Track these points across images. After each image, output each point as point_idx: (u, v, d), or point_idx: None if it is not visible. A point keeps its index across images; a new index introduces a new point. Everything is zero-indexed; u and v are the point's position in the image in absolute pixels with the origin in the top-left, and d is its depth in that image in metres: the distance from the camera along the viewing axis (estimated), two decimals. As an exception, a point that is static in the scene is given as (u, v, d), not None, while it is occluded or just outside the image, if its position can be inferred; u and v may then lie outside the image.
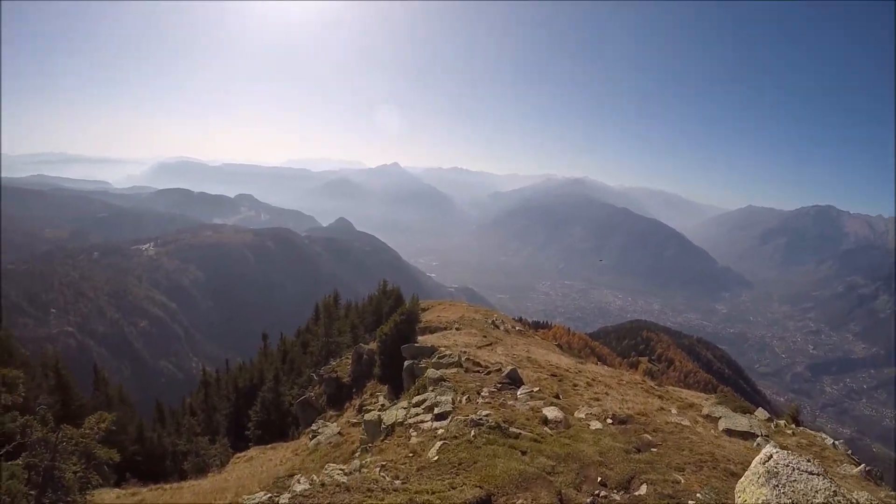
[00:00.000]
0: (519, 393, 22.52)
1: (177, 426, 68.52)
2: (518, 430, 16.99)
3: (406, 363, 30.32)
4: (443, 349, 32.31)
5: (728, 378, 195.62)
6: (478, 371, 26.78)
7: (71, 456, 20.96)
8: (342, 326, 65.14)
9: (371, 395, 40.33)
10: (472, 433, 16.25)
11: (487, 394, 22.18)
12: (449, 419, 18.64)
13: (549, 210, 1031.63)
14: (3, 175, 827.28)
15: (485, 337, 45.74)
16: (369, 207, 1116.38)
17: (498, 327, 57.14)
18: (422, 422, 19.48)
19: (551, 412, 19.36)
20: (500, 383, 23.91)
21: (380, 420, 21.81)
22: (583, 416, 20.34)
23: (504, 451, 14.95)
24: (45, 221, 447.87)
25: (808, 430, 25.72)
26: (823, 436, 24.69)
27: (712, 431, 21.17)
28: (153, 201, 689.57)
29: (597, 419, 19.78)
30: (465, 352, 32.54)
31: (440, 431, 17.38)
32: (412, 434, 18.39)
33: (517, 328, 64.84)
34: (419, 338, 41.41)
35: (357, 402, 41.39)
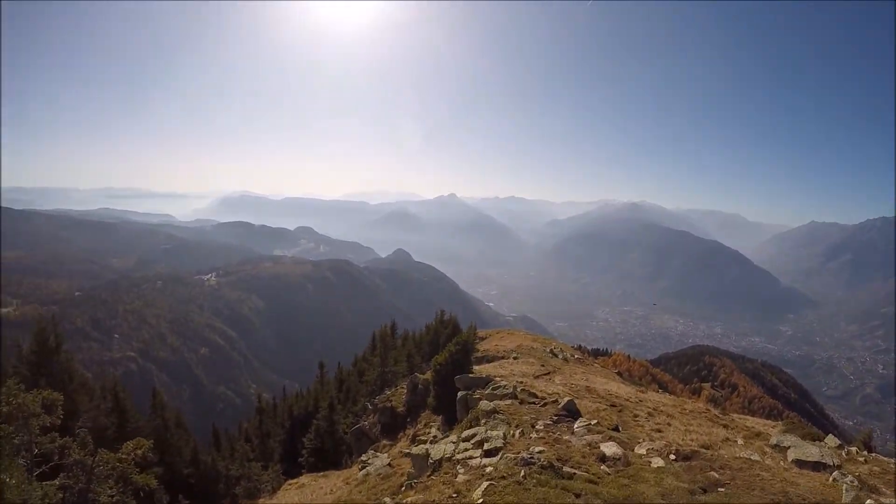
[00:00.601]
0: (576, 426, 21.38)
1: (231, 451, 68.64)
2: (572, 470, 15.84)
3: (459, 394, 29.36)
4: (498, 379, 31.42)
5: (794, 403, 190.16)
6: (533, 402, 25.78)
7: (107, 480, 20.94)
8: (398, 356, 64.74)
9: (425, 425, 39.54)
10: (522, 473, 15.18)
11: (542, 427, 21.18)
12: (499, 456, 17.60)
13: (607, 236, 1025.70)
14: (74, 208, 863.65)
15: (543, 366, 44.87)
16: (427, 238, 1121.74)
17: (556, 356, 56.02)
18: (470, 458, 18.48)
19: (609, 448, 18.14)
20: (556, 416, 22.91)
21: (427, 454, 21.08)
22: (643, 451, 19.09)
23: (556, 495, 13.85)
24: (113, 252, 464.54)
25: (881, 457, 24.50)
26: None
27: (782, 464, 19.97)
28: (216, 234, 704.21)
29: (658, 455, 18.49)
30: (521, 382, 31.70)
31: (488, 469, 16.37)
32: (459, 471, 17.42)
33: (576, 356, 63.61)
34: (475, 367, 40.53)
35: (411, 432, 40.69)
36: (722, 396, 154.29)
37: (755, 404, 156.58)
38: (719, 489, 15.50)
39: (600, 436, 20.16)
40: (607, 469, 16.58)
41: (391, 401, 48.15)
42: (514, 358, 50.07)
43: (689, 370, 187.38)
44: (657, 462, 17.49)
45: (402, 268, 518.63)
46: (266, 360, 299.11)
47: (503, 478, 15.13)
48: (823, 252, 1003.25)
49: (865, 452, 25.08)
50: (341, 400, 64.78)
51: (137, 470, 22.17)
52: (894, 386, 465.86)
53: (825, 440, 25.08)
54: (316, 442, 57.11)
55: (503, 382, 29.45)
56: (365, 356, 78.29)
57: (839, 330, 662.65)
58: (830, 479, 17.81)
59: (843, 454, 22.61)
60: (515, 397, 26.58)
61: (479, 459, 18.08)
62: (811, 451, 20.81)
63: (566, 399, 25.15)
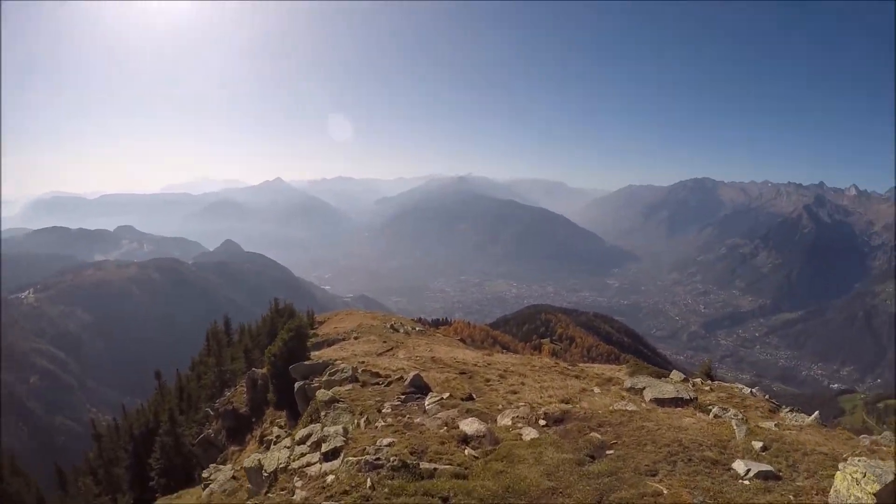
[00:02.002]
0: (427, 403, 19.16)
1: (78, 488, 62.69)
2: (432, 465, 12.81)
3: (297, 385, 26.51)
4: (338, 363, 28.76)
5: (628, 346, 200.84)
6: (377, 383, 23.53)
7: None
8: (235, 353, 60.98)
9: (271, 423, 36.62)
10: (370, 482, 11.91)
11: (390, 410, 18.73)
12: (341, 458, 14.45)
13: (437, 209, 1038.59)
14: None
15: (385, 342, 43.77)
16: (256, 226, 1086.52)
17: (397, 330, 55.03)
18: (308, 465, 15.29)
19: (471, 426, 15.66)
20: (403, 394, 20.79)
21: (261, 466, 17.66)
22: (509, 421, 16.91)
23: (417, 505, 10.86)
24: None
25: (724, 384, 27.15)
26: (739, 386, 25.91)
27: (644, 405, 19.79)
28: (29, 244, 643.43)
29: (527, 423, 16.34)
30: (363, 362, 29.56)
31: (329, 479, 13.14)
32: (297, 485, 14.16)
33: (417, 329, 63.37)
34: (315, 353, 38.54)
35: (258, 433, 37.63)
36: (562, 349, 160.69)
37: (593, 352, 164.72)
38: (608, 452, 13.55)
39: (456, 410, 18.06)
40: (474, 453, 13.97)
41: (232, 402, 44.89)
42: (355, 338, 48.82)
43: (528, 328, 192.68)
44: (529, 433, 15.21)
45: (233, 259, 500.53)
46: (102, 378, 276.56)
47: (346, 492, 11.88)
48: (642, 211, 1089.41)
49: (709, 381, 27.95)
50: (184, 409, 59.94)
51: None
52: (715, 321, 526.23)
53: (671, 376, 27.53)
54: (163, 461, 52.35)
55: (343, 365, 26.70)
56: (201, 358, 73.80)
57: (661, 278, 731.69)
58: (711, 416, 17.60)
59: (691, 386, 24.18)
60: (356, 380, 24.12)
61: (318, 465, 14.94)
62: (666, 389, 21.67)
63: (412, 374, 23.30)
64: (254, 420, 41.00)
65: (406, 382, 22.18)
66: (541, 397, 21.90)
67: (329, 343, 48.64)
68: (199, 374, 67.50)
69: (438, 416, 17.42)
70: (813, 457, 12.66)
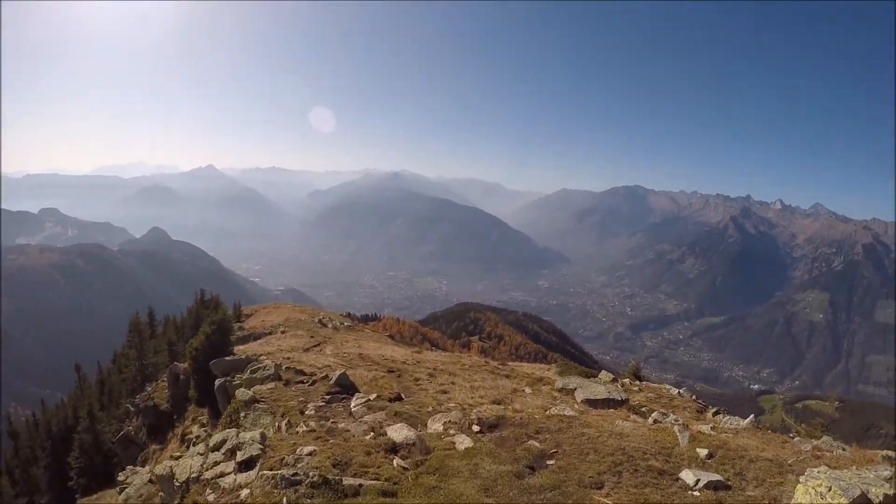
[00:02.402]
0: (353, 405, 17.85)
1: None
2: (356, 480, 11.23)
3: (217, 382, 24.83)
4: (263, 358, 27.23)
5: (556, 346, 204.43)
6: (301, 381, 22.09)
7: None
8: (158, 345, 58.68)
9: (193, 420, 35.04)
10: (286, 501, 10.29)
11: (314, 411, 17.36)
12: (257, 468, 12.83)
13: (371, 205, 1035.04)
14: None
15: (312, 337, 42.57)
16: (186, 214, 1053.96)
17: (326, 325, 54.25)
18: (222, 475, 13.66)
19: (399, 432, 14.26)
20: (328, 394, 19.52)
21: (172, 474, 16.09)
22: (440, 427, 15.72)
23: (339, 532, 9.40)
24: None
25: (651, 384, 27.64)
26: (667, 387, 26.32)
27: (577, 406, 19.92)
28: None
29: (460, 429, 15.26)
30: (287, 357, 28.24)
31: (244, 494, 11.59)
32: (209, 498, 12.71)
33: (346, 324, 62.95)
34: (239, 347, 37.01)
35: (179, 431, 35.92)
36: (491, 347, 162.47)
37: (521, 350, 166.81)
38: (549, 463, 12.63)
39: (384, 413, 16.95)
40: (403, 464, 12.58)
41: (153, 398, 42.99)
42: (282, 332, 47.95)
43: (457, 326, 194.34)
44: (462, 441, 14.10)
45: (161, 248, 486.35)
46: (24, 371, 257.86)
47: (258, 513, 10.38)
48: (575, 215, 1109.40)
49: (638, 382, 28.44)
50: (104, 405, 57.23)
51: None
52: (641, 323, 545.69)
53: (600, 376, 27.62)
54: (82, 460, 49.66)
55: (266, 361, 25.16)
56: (123, 350, 70.77)
57: (590, 281, 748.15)
58: (651, 421, 17.48)
59: (621, 387, 24.28)
60: (280, 378, 22.66)
61: (233, 476, 13.37)
62: (597, 390, 21.86)
63: (338, 372, 22.21)
64: (176, 417, 39.54)
65: (332, 381, 21.07)
66: (472, 398, 21.15)
67: (255, 337, 47.67)
68: (120, 368, 64.79)
69: (365, 419, 16.24)
70: (759, 464, 12.43)
